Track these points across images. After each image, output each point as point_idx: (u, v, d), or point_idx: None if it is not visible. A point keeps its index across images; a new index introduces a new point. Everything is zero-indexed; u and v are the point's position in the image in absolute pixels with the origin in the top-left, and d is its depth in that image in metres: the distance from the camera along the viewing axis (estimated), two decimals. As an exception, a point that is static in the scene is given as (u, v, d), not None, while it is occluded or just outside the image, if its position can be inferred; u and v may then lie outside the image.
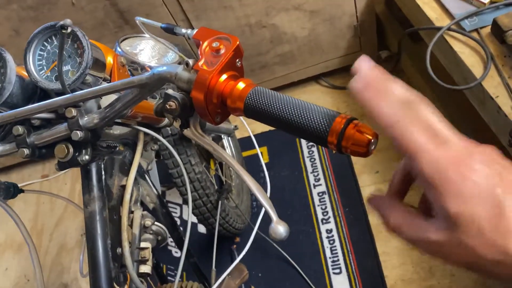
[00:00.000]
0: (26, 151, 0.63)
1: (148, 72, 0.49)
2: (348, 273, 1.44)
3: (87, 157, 0.65)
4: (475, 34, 1.11)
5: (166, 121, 0.86)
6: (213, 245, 1.23)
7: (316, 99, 1.93)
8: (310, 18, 1.58)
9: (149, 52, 0.97)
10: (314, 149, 1.78)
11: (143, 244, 0.79)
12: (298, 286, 1.46)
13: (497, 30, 1.05)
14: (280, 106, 0.40)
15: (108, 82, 0.72)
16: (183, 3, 1.44)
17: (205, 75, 0.42)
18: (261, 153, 1.86)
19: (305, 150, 1.79)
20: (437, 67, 1.17)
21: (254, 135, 1.25)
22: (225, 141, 1.64)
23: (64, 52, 0.62)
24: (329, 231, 1.54)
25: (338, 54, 1.78)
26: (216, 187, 1.37)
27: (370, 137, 0.36)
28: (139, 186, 0.83)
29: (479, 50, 1.08)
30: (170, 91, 0.45)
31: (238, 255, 1.57)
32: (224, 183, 1.48)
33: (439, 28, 1.15)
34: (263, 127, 1.86)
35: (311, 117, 0.38)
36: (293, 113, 0.39)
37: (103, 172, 0.72)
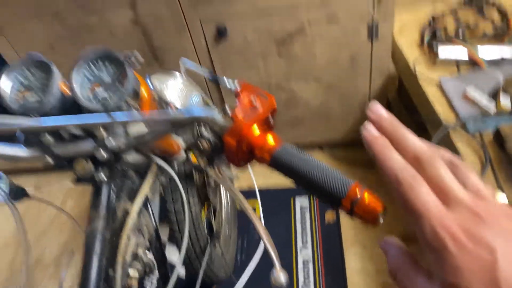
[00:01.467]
0: (50, 160, 0.67)
1: (183, 110, 0.54)
2: None
3: (104, 176, 0.69)
4: (477, 136, 1.18)
5: (181, 155, 0.90)
6: (191, 290, 1.22)
7: (317, 166, 1.98)
8: (326, 90, 1.67)
9: (176, 92, 1.02)
10: (307, 214, 1.80)
11: (131, 272, 0.80)
12: None
13: (499, 138, 1.12)
14: (304, 166, 0.44)
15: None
16: (212, 54, 1.53)
17: (241, 125, 0.47)
18: (254, 208, 1.89)
19: (298, 213, 1.82)
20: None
21: (249, 190, 1.27)
22: (222, 187, 1.67)
23: (108, 75, 0.67)
24: (307, 298, 1.53)
25: (345, 129, 1.86)
26: (206, 232, 1.38)
27: (381, 210, 0.40)
28: (140, 214, 0.86)
29: (479, 152, 1.15)
30: (204, 132, 0.50)
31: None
32: (214, 229, 1.49)
33: (445, 127, 1.23)
34: (261, 182, 1.89)
35: (331, 181, 0.42)
36: (314, 174, 0.44)
37: (112, 193, 0.75)
